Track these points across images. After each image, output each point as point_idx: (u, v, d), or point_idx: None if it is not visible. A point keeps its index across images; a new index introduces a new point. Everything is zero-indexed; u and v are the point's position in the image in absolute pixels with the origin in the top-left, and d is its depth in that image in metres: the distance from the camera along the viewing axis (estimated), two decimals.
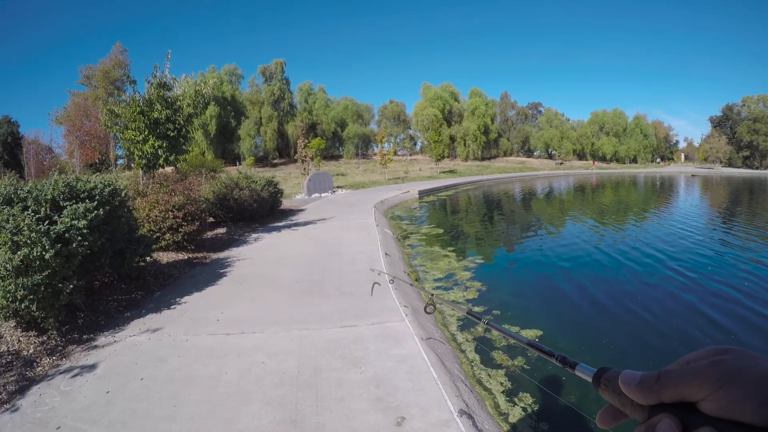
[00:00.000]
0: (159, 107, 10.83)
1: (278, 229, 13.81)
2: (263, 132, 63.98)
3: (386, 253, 9.52)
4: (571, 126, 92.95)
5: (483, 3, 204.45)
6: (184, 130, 11.34)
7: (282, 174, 47.44)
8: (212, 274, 8.51)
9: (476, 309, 7.13)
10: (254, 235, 12.72)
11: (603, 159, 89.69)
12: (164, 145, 11.16)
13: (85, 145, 54.86)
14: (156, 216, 9.87)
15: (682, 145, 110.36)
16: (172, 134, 11.19)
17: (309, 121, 65.72)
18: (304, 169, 33.88)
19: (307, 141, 37.45)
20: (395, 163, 48.45)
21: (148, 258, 8.30)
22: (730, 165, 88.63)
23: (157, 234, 9.94)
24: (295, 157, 39.80)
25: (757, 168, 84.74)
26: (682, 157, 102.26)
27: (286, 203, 22.35)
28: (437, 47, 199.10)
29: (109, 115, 11.29)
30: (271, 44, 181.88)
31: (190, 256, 10.21)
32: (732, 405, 0.45)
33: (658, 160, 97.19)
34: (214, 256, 10.23)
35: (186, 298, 6.99)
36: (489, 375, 5.02)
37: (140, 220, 9.86)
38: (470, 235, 14.72)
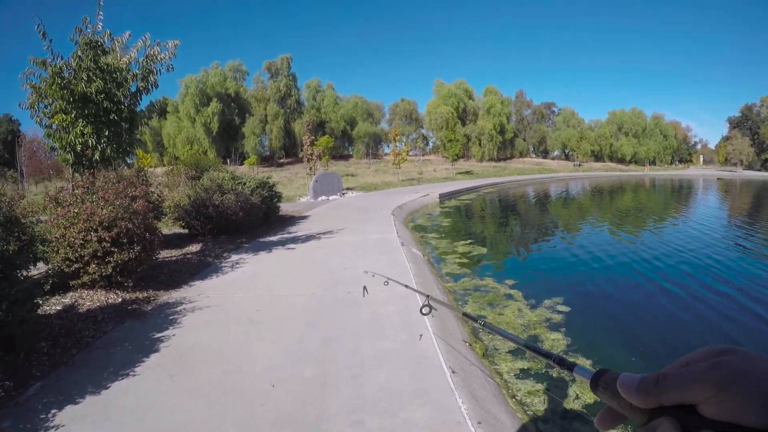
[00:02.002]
0: (86, 77, 7.37)
1: (269, 247, 10.31)
2: (269, 130, 60.63)
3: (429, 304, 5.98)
4: (588, 126, 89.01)
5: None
6: (127, 111, 7.87)
7: (287, 174, 44.17)
8: (140, 342, 5.06)
9: None
10: (234, 258, 9.24)
11: (622, 161, 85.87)
12: (104, 132, 7.73)
13: None
14: (74, 238, 6.43)
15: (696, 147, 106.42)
16: (110, 117, 7.76)
17: (317, 119, 62.21)
18: (310, 168, 30.42)
19: (314, 138, 33.99)
20: (407, 163, 44.92)
21: (48, 306, 4.83)
22: (750, 168, 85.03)
23: (77, 265, 6.52)
24: (301, 156, 36.31)
25: None
26: (701, 159, 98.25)
27: (287, 208, 18.88)
28: (450, 43, 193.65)
29: (35, 95, 7.83)
30: (278, 40, 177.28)
31: (127, 297, 6.77)
32: (734, 408, 0.44)
33: (677, 162, 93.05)
34: (163, 298, 6.77)
35: (65, 413, 3.53)
36: None
37: (53, 244, 6.49)
38: (526, 257, 11.15)
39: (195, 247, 10.39)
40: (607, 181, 50.64)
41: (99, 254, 6.56)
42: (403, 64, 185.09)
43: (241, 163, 48.83)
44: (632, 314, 7.21)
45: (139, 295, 6.93)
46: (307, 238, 11.31)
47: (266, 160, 61.23)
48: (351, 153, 70.74)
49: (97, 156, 7.76)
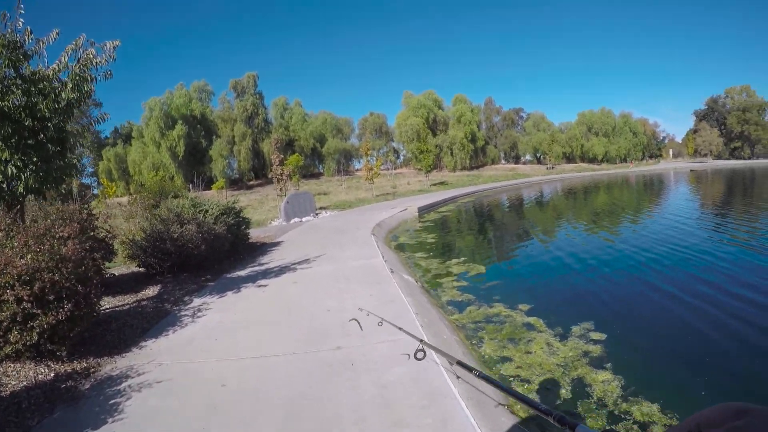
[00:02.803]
0: (1, 88, 6.01)
1: (237, 284, 8.95)
2: (237, 152, 59.02)
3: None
4: (558, 128, 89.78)
5: (461, 8, 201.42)
6: (53, 129, 6.49)
7: (258, 197, 42.62)
8: None
9: None
10: (196, 302, 7.87)
11: (593, 160, 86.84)
12: (29, 157, 6.35)
13: None
14: None
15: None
16: (38, 138, 6.40)
17: (286, 137, 60.76)
18: (281, 189, 28.98)
19: (283, 157, 32.62)
20: (380, 178, 43.87)
21: None
22: (719, 157, 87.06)
23: None
24: (271, 177, 34.84)
25: (748, 158, 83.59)
26: (670, 153, 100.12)
27: (258, 233, 17.47)
28: (417, 54, 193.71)
29: None
30: (243, 59, 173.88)
31: (61, 370, 5.39)
32: None
33: (647, 157, 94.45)
34: (106, 369, 5.39)
35: None
36: None
37: None
38: (533, 273, 10.04)
39: (152, 290, 8.97)
40: (587, 180, 50.49)
41: (19, 318, 5.19)
42: (370, 77, 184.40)
43: (209, 188, 46.92)
44: (684, 335, 6.12)
45: (77, 365, 5.53)
46: (281, 270, 9.98)
47: (235, 183, 59.52)
48: (322, 171, 69.44)
49: (20, 188, 6.36)
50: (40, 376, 5.30)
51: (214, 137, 59.34)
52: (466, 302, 7.80)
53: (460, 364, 1.67)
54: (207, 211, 11.26)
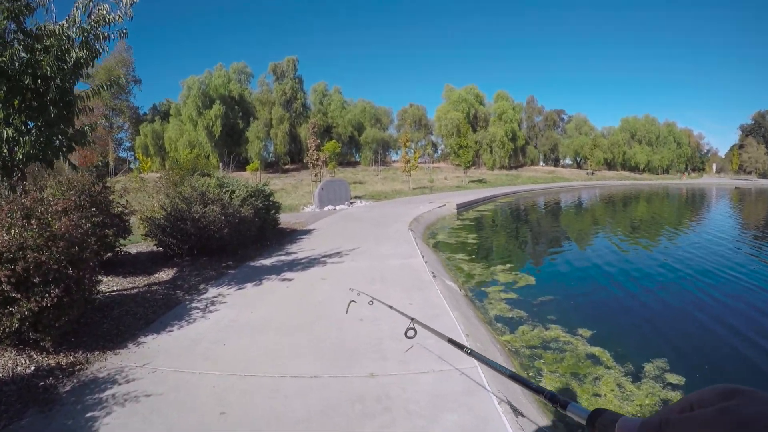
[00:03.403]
0: (3, 42, 5.20)
1: (259, 275, 8.04)
2: (273, 135, 58.43)
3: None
4: (601, 133, 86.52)
5: (505, 4, 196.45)
6: (57, 91, 5.65)
7: (292, 181, 42.02)
8: None
9: None
10: (212, 292, 6.99)
11: (634, 169, 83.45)
12: (24, 120, 5.57)
13: (85, 146, 50.55)
14: None
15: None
16: (44, 99, 5.58)
17: (324, 124, 59.99)
18: (316, 175, 28.15)
19: (320, 143, 31.79)
20: (417, 171, 42.55)
21: None
22: (764, 176, 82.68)
23: None
24: (306, 162, 34.06)
25: None
26: (714, 167, 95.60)
27: (289, 219, 16.66)
28: (460, 47, 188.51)
29: None
30: (284, 43, 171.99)
31: (44, 363, 4.58)
32: None
33: (690, 170, 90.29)
34: (93, 367, 4.53)
35: None
36: None
37: None
38: (588, 289, 8.84)
39: (166, 274, 8.17)
40: (630, 189, 48.12)
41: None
42: (412, 68, 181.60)
43: (244, 169, 46.60)
44: None
45: (63, 359, 4.70)
46: (309, 262, 9.03)
47: (271, 166, 59.14)
48: (358, 160, 68.48)
49: (19, 153, 5.57)
50: (19, 368, 4.50)
51: (251, 119, 58.89)
52: (518, 320, 6.68)
53: (451, 342, 1.60)
54: (234, 192, 10.39)
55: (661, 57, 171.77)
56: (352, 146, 68.24)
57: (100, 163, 54.78)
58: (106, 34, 6.02)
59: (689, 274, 9.84)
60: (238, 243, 9.86)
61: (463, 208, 23.88)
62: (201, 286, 7.36)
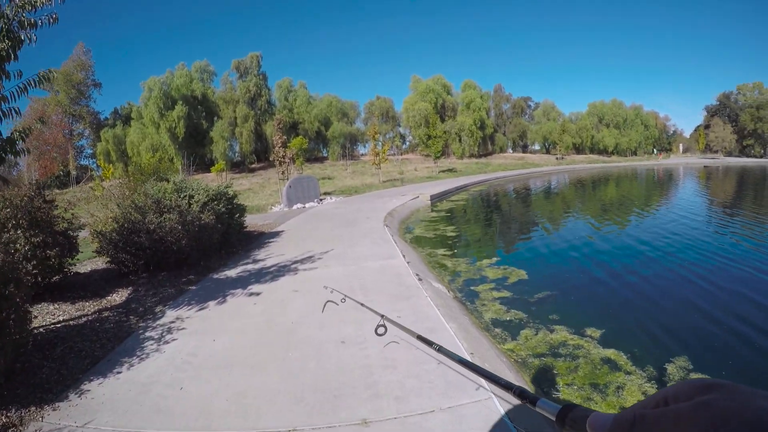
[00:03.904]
0: None
1: (223, 290, 7.16)
2: (239, 134, 56.84)
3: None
4: (569, 118, 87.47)
5: None
6: None
7: (259, 180, 40.85)
8: None
9: None
10: (169, 315, 6.11)
11: (603, 152, 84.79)
12: None
13: (45, 156, 48.21)
14: None
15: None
16: None
17: (290, 120, 58.60)
18: (283, 173, 27.08)
19: (286, 139, 30.71)
20: (387, 163, 41.68)
21: None
22: (729, 154, 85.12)
23: None
24: (273, 160, 32.84)
25: (760, 156, 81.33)
26: (681, 147, 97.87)
27: (256, 220, 15.70)
28: (426, 38, 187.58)
29: None
30: (247, 39, 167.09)
31: None
32: None
33: (655, 151, 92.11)
34: (28, 430, 3.64)
35: None
36: None
37: None
38: (587, 280, 8.25)
39: (120, 295, 7.22)
40: (599, 172, 48.44)
41: None
42: (377, 60, 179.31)
43: (209, 170, 45.01)
44: None
45: None
46: (279, 271, 8.16)
47: (237, 166, 57.67)
48: (326, 155, 67.39)
49: None
50: None
51: (215, 119, 57.14)
52: (518, 323, 6.02)
53: (420, 338, 1.50)
54: (192, 197, 9.43)
55: (627, 42, 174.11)
56: (320, 141, 67.10)
57: (61, 173, 52.33)
58: (32, 20, 5.03)
59: (677, 254, 9.38)
60: (199, 253, 8.95)
61: (436, 198, 23.27)
62: (157, 309, 6.46)
